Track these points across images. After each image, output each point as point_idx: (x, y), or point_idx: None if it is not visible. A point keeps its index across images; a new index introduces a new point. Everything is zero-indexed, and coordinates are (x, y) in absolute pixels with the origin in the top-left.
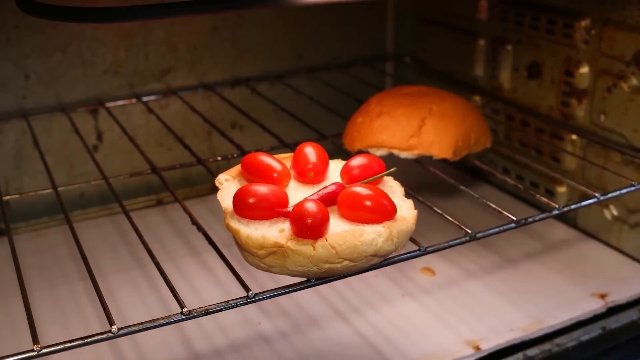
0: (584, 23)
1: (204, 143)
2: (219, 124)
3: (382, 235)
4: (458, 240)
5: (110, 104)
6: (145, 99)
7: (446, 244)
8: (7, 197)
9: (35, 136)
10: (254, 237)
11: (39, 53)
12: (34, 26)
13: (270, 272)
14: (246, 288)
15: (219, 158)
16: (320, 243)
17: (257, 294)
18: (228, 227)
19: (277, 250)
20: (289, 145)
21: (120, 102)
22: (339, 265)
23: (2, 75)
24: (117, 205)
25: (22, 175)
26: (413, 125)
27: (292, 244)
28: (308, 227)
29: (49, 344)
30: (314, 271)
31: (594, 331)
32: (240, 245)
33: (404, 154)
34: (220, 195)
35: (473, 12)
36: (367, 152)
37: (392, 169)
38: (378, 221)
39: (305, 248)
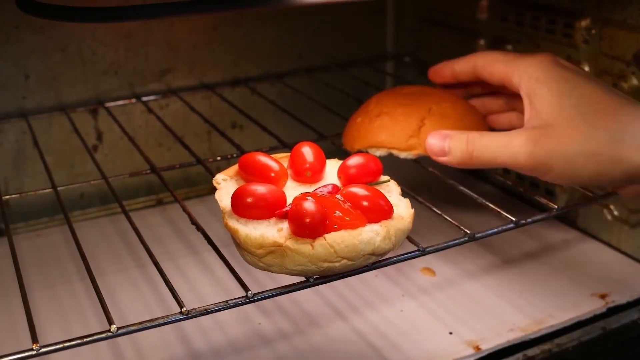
0: (584, 23)
1: (204, 143)
2: (219, 124)
3: (379, 234)
4: (457, 241)
5: (110, 104)
6: (145, 99)
7: (445, 245)
8: (7, 197)
9: (35, 136)
10: (253, 237)
11: (39, 53)
12: (34, 26)
13: (269, 271)
14: (245, 288)
15: (219, 158)
16: (318, 242)
17: (256, 293)
18: (226, 227)
19: (275, 249)
20: (289, 145)
21: (120, 102)
22: (337, 264)
23: (2, 75)
24: (117, 205)
25: (22, 175)
26: (412, 125)
27: (290, 243)
28: (307, 226)
29: (48, 343)
30: (312, 270)
31: (594, 331)
32: (239, 244)
33: (403, 154)
34: (218, 195)
35: (473, 12)
36: (366, 152)
37: (387, 180)
38: (375, 220)
39: (304, 247)
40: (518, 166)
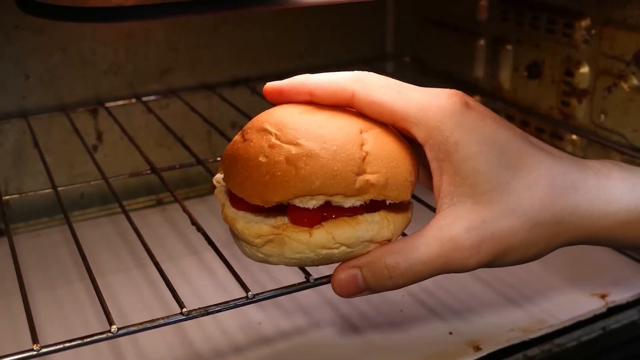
0: (584, 23)
1: (204, 143)
2: (219, 124)
3: (378, 221)
4: None
5: (110, 104)
6: (145, 99)
7: None
8: (7, 197)
9: (35, 136)
10: (251, 226)
11: (39, 53)
12: (34, 26)
13: (268, 262)
14: (245, 288)
15: (219, 158)
16: (316, 229)
17: (257, 294)
18: (225, 219)
19: (274, 238)
20: None
21: (120, 102)
22: (336, 251)
23: (2, 75)
24: (117, 205)
25: (22, 175)
26: (354, 158)
27: (288, 231)
28: (305, 214)
29: (49, 343)
30: (311, 258)
31: (594, 331)
32: (237, 236)
33: (349, 202)
34: (217, 192)
35: (473, 12)
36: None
37: None
38: (374, 210)
39: (302, 234)
40: (459, 271)
